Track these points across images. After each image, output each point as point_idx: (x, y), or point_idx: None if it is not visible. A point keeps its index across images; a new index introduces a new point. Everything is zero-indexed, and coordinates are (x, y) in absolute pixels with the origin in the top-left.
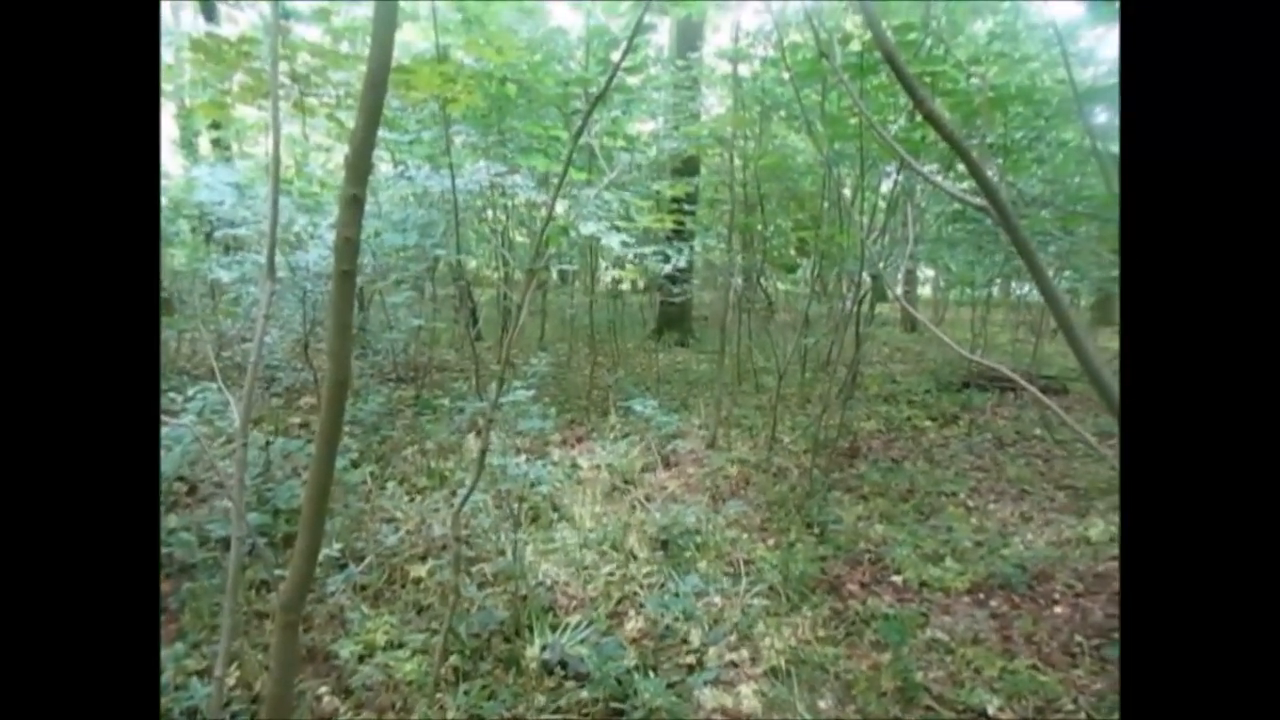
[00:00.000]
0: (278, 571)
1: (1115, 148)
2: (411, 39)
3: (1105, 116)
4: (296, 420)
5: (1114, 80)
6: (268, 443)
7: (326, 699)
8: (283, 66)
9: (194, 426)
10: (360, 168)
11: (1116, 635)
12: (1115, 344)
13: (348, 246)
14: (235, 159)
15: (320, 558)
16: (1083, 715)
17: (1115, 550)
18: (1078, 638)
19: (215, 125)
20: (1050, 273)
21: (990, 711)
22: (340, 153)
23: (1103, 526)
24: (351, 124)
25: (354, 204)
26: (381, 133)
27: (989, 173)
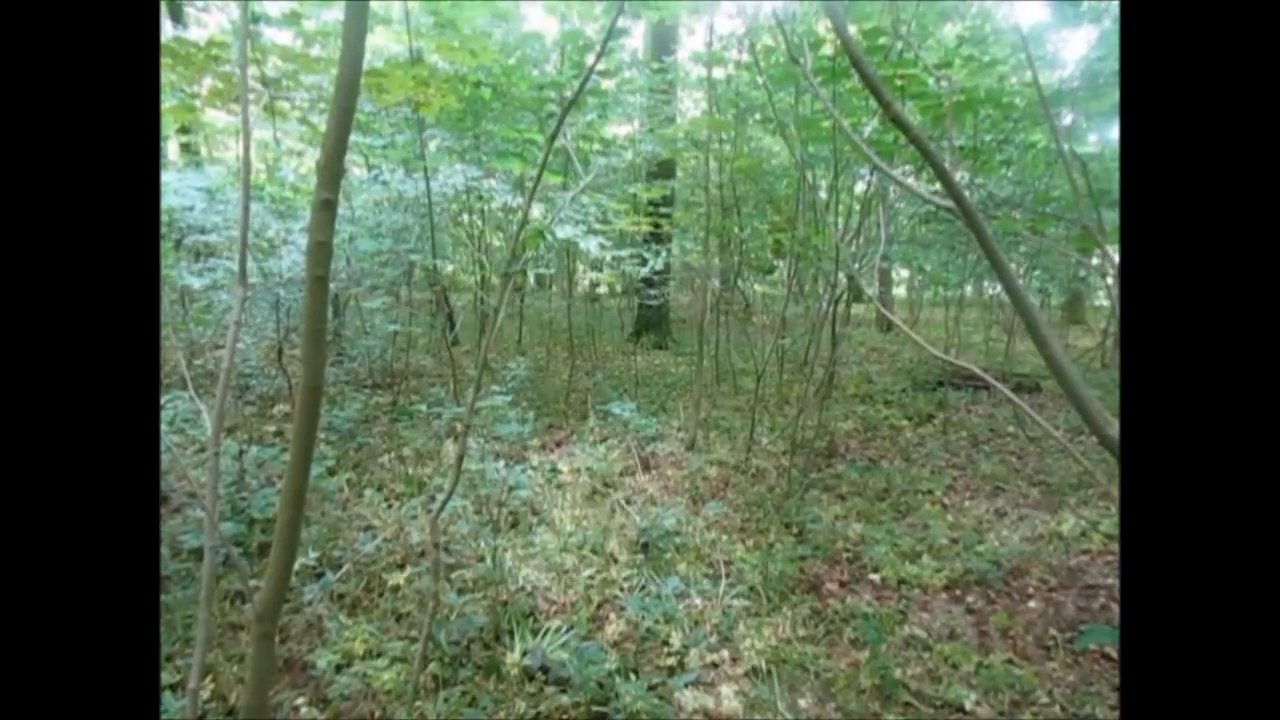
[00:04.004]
0: (253, 582)
1: (1081, 149)
2: (384, 43)
3: (1071, 119)
4: (271, 428)
5: (1079, 83)
6: (241, 451)
7: (304, 710)
8: (253, 70)
9: (165, 435)
10: (333, 172)
11: (1086, 629)
12: (1085, 342)
13: (321, 251)
14: (205, 164)
15: (296, 567)
16: (1057, 708)
17: (1086, 545)
18: (1051, 631)
19: (184, 130)
20: (1020, 272)
21: (967, 706)
22: (312, 157)
23: (1074, 522)
24: (324, 127)
25: (327, 208)
26: (354, 137)
27: (956, 175)
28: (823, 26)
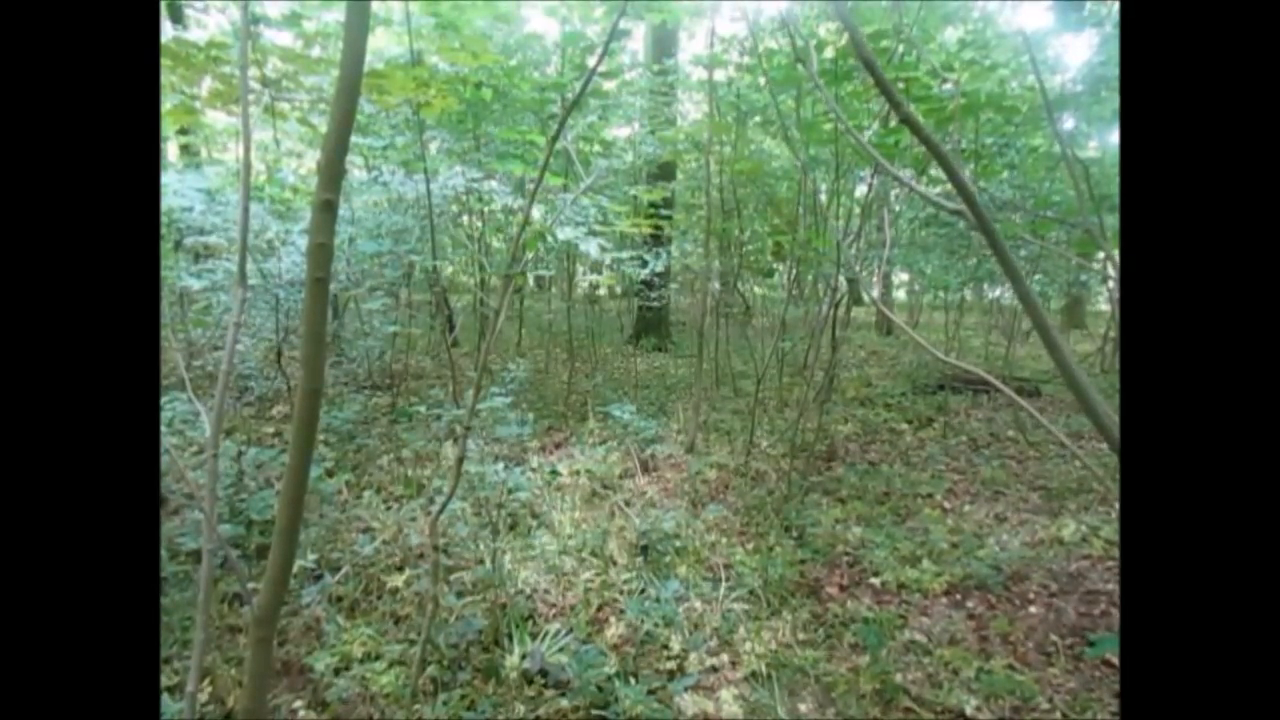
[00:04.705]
0: (251, 584)
1: (1081, 153)
2: (384, 44)
3: (1072, 123)
4: (270, 430)
5: (1081, 88)
6: (240, 453)
7: (302, 712)
8: (253, 71)
9: (164, 437)
10: (333, 173)
11: (1090, 634)
12: (1084, 347)
13: (321, 252)
14: (204, 165)
15: (295, 569)
16: (1058, 714)
17: (1087, 550)
18: (1052, 637)
19: (184, 131)
20: None
21: (968, 712)
22: (312, 158)
23: (1074, 527)
24: (324, 129)
25: (327, 209)
26: (355, 138)
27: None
28: (824, 29)
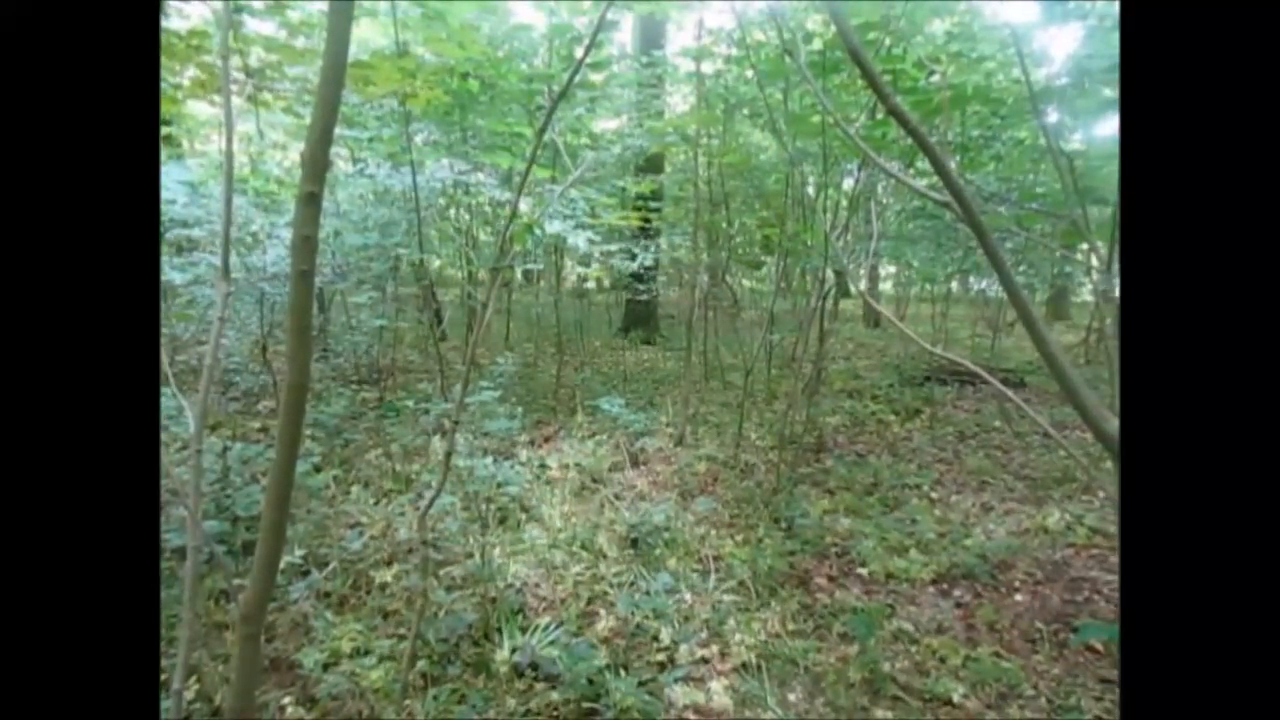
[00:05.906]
0: (237, 580)
1: (1067, 146)
2: (370, 35)
3: (1057, 116)
4: (255, 425)
5: (1066, 80)
6: (225, 448)
7: (291, 709)
8: (236, 61)
9: None
10: (317, 164)
11: (1074, 621)
12: (1069, 338)
13: (306, 245)
14: (187, 157)
15: (282, 565)
16: (1043, 700)
17: (1072, 539)
18: (1037, 624)
19: (166, 122)
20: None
21: (955, 699)
22: (297, 150)
23: (1059, 515)
24: (308, 120)
25: (311, 202)
26: (340, 130)
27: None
28: (811, 21)
